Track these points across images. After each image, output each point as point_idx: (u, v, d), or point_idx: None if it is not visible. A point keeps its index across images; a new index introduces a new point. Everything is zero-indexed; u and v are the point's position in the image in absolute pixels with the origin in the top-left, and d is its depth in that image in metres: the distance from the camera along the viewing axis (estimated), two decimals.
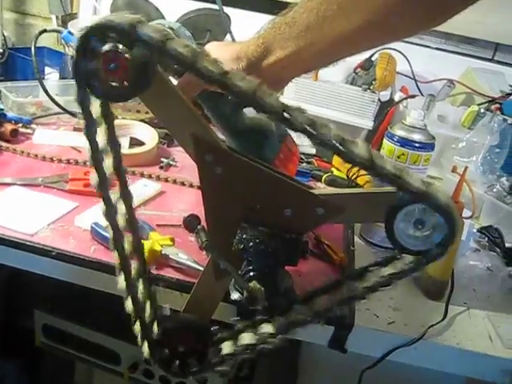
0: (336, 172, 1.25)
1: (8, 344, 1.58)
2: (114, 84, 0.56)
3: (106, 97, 0.58)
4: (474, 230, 1.06)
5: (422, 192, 0.56)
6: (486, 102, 1.29)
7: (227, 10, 1.34)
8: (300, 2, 0.74)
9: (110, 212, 0.63)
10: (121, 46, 0.54)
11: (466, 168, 0.83)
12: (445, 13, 0.68)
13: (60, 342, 1.34)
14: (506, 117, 1.20)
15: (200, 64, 0.55)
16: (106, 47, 0.54)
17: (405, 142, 0.93)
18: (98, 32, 0.53)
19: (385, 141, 0.97)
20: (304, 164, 1.28)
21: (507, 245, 1.04)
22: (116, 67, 0.55)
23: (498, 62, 1.51)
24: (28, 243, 0.84)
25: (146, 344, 0.69)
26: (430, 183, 0.57)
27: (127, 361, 1.29)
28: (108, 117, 0.60)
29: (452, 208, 0.57)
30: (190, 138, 0.62)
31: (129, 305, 0.67)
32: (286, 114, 0.57)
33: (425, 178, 0.59)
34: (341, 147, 0.56)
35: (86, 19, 1.62)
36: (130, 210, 0.64)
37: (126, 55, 0.55)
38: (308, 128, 0.56)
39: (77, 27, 1.48)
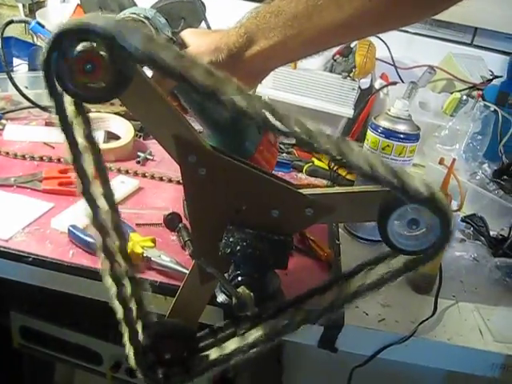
0: (317, 162, 1.23)
1: None
2: (91, 85, 0.53)
3: (82, 98, 0.54)
4: (459, 220, 1.05)
5: (419, 194, 0.53)
6: (466, 89, 1.28)
7: None
8: None
9: (96, 215, 0.60)
10: (95, 45, 0.51)
11: (454, 160, 0.82)
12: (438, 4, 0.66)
13: (38, 344, 1.31)
14: (487, 103, 1.19)
15: (163, 62, 0.52)
16: (81, 47, 0.51)
17: (389, 134, 0.91)
18: (74, 35, 0.50)
19: (369, 132, 0.95)
20: (284, 154, 1.26)
21: (492, 233, 1.03)
22: (92, 68, 0.52)
23: (477, 47, 1.51)
24: (3, 249, 0.80)
25: (131, 351, 0.66)
26: (428, 184, 0.55)
27: (109, 360, 1.26)
28: (84, 115, 0.56)
29: (448, 209, 0.55)
30: (172, 138, 0.59)
31: (118, 310, 0.64)
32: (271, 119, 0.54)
33: (410, 168, 0.56)
34: (338, 157, 0.53)
35: (54, 8, 1.57)
36: (114, 210, 0.61)
37: (102, 53, 0.51)
38: (304, 137, 0.53)
39: (45, 17, 1.43)
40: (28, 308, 1.29)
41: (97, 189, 0.58)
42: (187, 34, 0.81)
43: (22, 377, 1.45)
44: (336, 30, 0.68)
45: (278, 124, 0.54)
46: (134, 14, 0.76)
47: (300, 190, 0.62)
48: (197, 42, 0.78)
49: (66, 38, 0.50)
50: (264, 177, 0.63)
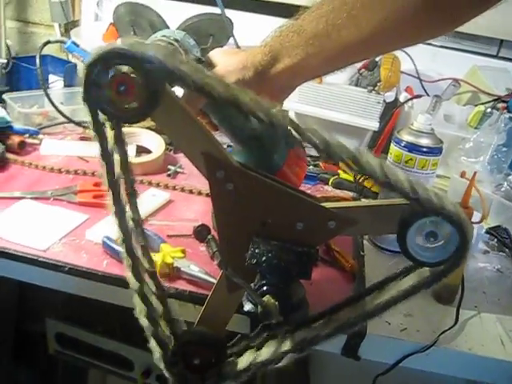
0: (343, 175, 1.25)
1: (21, 352, 1.60)
2: (126, 106, 0.57)
3: (119, 119, 0.58)
4: (483, 232, 1.06)
5: (435, 206, 0.56)
6: (491, 101, 1.29)
7: (229, 12, 1.34)
8: (309, 10, 0.75)
9: (124, 226, 0.63)
10: (127, 68, 0.55)
11: (475, 173, 0.84)
12: (456, 20, 0.68)
13: (73, 350, 1.36)
14: None
15: (192, 81, 0.55)
16: (114, 71, 0.54)
17: (412, 147, 0.94)
18: (108, 60, 0.53)
19: (392, 146, 0.97)
20: (311, 167, 1.28)
21: None
22: (125, 89, 0.56)
23: (503, 59, 1.51)
24: (41, 259, 0.84)
25: (161, 359, 0.69)
26: (442, 196, 0.57)
27: (140, 367, 1.30)
28: (120, 137, 0.60)
29: (465, 220, 0.57)
30: (201, 155, 0.63)
31: (143, 320, 0.67)
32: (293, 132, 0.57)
33: (436, 188, 0.59)
34: (353, 165, 0.56)
35: (88, 27, 1.63)
36: (140, 222, 0.65)
37: (133, 75, 0.55)
38: (320, 147, 0.56)
39: (80, 35, 1.48)
40: (64, 315, 1.34)
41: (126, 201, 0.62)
42: (215, 54, 0.84)
43: (57, 382, 1.50)
44: (355, 47, 0.71)
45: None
46: (165, 36, 0.80)
47: (323, 204, 0.65)
48: (224, 61, 0.82)
49: (100, 63, 0.54)
50: (288, 191, 0.65)
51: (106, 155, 0.59)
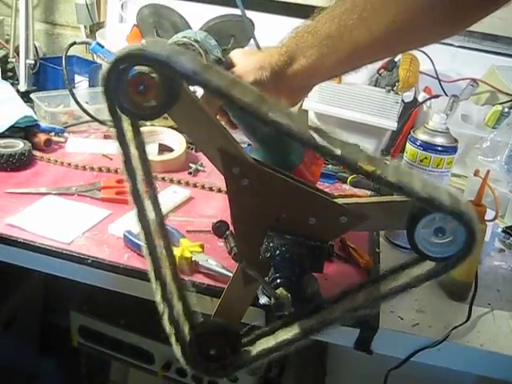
0: None
1: (46, 343, 1.64)
2: (144, 104, 0.59)
3: (138, 117, 0.60)
4: (499, 230, 1.07)
5: (443, 203, 0.57)
6: (509, 101, 1.29)
7: (250, 13, 1.36)
8: (323, 11, 0.76)
9: (144, 221, 0.66)
10: (147, 68, 0.57)
11: (488, 172, 0.85)
12: (463, 21, 0.69)
13: (96, 343, 1.39)
14: None
15: (210, 83, 0.57)
16: (134, 71, 0.57)
17: (427, 146, 0.95)
18: (128, 61, 0.56)
19: (408, 145, 0.99)
20: (329, 166, 1.29)
21: None
22: (145, 89, 0.58)
23: None
24: (65, 252, 0.88)
25: (179, 349, 0.72)
26: (451, 193, 0.58)
27: (161, 360, 1.33)
28: (138, 132, 0.63)
29: (471, 217, 0.58)
30: (217, 152, 0.65)
31: (163, 311, 0.70)
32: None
33: (450, 187, 0.60)
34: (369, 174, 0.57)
35: (112, 28, 1.66)
36: (161, 217, 0.67)
37: (153, 75, 0.58)
38: (336, 154, 0.58)
39: (105, 36, 1.52)
40: (87, 309, 1.38)
41: (146, 197, 0.64)
42: (235, 54, 0.87)
43: (80, 374, 1.54)
44: (367, 48, 0.73)
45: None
46: (185, 37, 0.82)
47: (335, 200, 0.67)
48: (243, 61, 0.84)
49: (121, 63, 0.56)
50: (302, 187, 0.67)
51: (125, 152, 0.61)
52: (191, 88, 0.67)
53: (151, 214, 0.67)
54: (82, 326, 1.39)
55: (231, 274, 0.74)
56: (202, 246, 0.89)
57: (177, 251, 0.85)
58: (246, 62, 0.83)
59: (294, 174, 0.82)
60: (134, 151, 0.62)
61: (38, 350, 1.69)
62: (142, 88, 0.58)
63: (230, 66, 0.85)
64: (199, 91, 0.69)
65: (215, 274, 0.85)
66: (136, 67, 0.57)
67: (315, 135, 0.60)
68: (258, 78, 0.80)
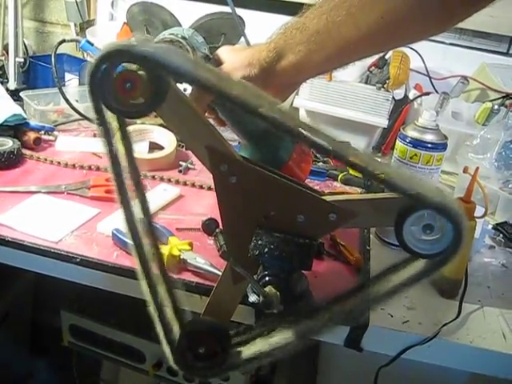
0: (352, 171, 1.26)
1: (37, 343, 1.64)
2: (131, 102, 0.59)
3: (125, 115, 0.60)
4: (489, 227, 1.07)
5: (431, 199, 0.57)
6: (499, 98, 1.29)
7: (240, 11, 1.36)
8: (311, 8, 0.76)
9: (130, 219, 0.66)
10: (135, 66, 0.57)
11: (477, 168, 0.85)
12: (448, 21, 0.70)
13: (87, 342, 1.39)
14: None
15: (198, 79, 0.57)
16: (121, 68, 0.56)
17: (417, 143, 0.95)
18: (115, 58, 0.55)
19: (397, 142, 0.98)
20: (320, 163, 1.29)
21: None
22: (132, 86, 0.58)
23: None
24: (54, 250, 0.87)
25: (168, 347, 0.71)
26: (438, 190, 0.58)
27: (151, 359, 1.33)
28: (124, 130, 0.62)
29: (459, 214, 0.58)
30: (205, 149, 0.65)
31: (152, 309, 0.69)
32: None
33: (439, 184, 0.60)
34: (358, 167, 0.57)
35: (102, 26, 1.66)
36: (148, 216, 0.67)
37: (140, 73, 0.57)
38: (328, 148, 0.57)
39: (95, 34, 1.51)
40: (77, 308, 1.37)
41: (133, 195, 0.64)
42: (223, 51, 0.86)
43: (71, 373, 1.53)
44: (355, 44, 0.73)
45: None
46: (173, 34, 0.82)
47: (323, 197, 0.67)
48: (231, 58, 0.84)
49: (107, 60, 0.55)
50: (290, 185, 0.67)
51: (110, 150, 0.61)
52: (180, 86, 0.67)
53: (138, 213, 0.67)
54: (73, 325, 1.38)
55: (220, 272, 0.74)
56: (190, 244, 0.88)
57: (165, 249, 0.85)
58: (234, 59, 0.83)
59: (284, 170, 0.82)
60: (121, 149, 0.62)
61: (28, 349, 1.69)
62: (128, 85, 0.58)
63: (218, 62, 0.85)
64: (188, 89, 0.69)
65: (204, 272, 0.85)
66: (123, 64, 0.56)
67: (306, 132, 0.59)
68: (247, 74, 0.80)
